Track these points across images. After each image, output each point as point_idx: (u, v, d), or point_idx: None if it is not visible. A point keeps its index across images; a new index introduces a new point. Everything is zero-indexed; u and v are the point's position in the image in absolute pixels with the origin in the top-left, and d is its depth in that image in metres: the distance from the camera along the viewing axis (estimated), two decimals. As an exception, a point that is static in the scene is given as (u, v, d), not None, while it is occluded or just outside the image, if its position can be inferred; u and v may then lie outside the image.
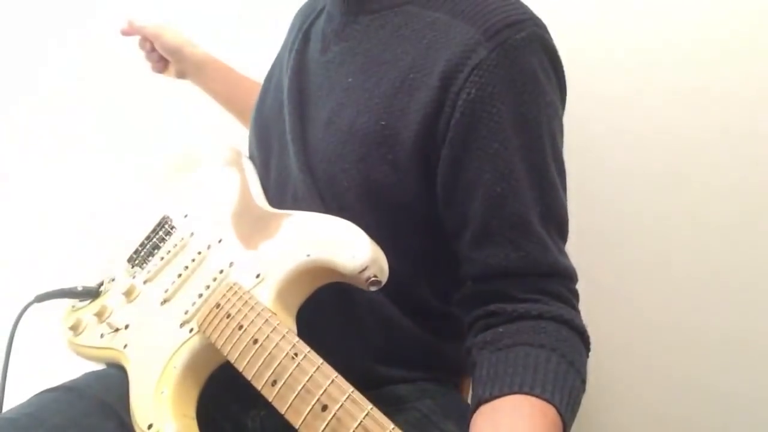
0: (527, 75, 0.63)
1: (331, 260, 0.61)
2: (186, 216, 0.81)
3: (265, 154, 0.80)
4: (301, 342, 0.55)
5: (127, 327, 0.73)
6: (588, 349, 0.64)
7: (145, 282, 0.76)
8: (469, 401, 0.64)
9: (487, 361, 0.60)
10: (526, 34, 0.62)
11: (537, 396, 0.54)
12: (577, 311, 0.65)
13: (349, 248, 0.60)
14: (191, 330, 0.66)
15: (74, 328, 0.77)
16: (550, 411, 0.54)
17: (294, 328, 0.62)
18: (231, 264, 0.69)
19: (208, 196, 0.82)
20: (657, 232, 1.05)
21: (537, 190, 0.64)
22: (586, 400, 0.60)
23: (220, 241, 0.73)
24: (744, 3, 0.94)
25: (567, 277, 0.66)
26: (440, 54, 0.63)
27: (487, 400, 0.56)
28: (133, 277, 0.78)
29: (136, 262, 0.80)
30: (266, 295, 0.63)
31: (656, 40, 1.00)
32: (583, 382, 0.60)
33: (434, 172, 0.66)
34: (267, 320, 0.59)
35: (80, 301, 0.82)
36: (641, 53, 1.01)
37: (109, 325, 0.74)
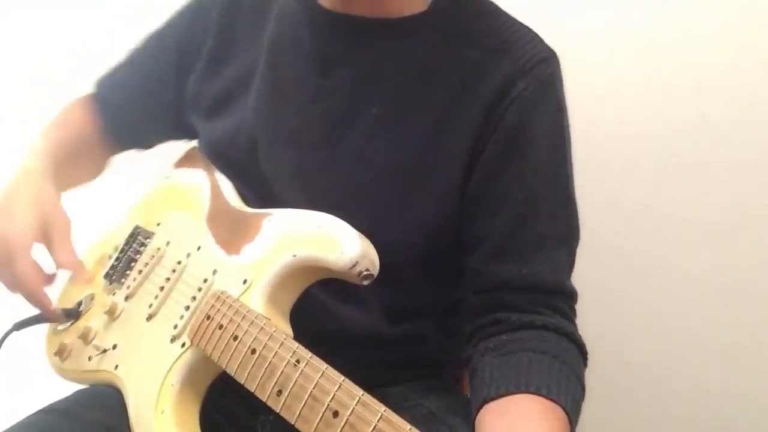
0: (555, 106, 0.69)
1: (319, 258, 0.60)
2: (159, 224, 0.78)
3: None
4: (302, 348, 0.54)
5: (115, 347, 0.71)
6: (585, 363, 0.66)
7: (126, 298, 0.74)
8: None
9: (489, 365, 0.62)
10: (553, 69, 0.68)
11: (545, 396, 0.56)
12: (576, 327, 0.68)
13: (337, 245, 0.59)
14: (183, 344, 0.64)
15: (60, 353, 0.75)
16: (560, 412, 0.56)
17: (290, 332, 0.61)
18: (214, 272, 0.67)
19: (178, 202, 0.79)
20: (651, 233, 1.08)
21: (561, 211, 0.69)
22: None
23: (198, 249, 0.71)
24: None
25: (570, 297, 0.69)
26: (480, 89, 0.66)
27: (493, 399, 0.57)
28: (113, 294, 0.76)
29: (114, 277, 0.77)
30: (257, 301, 0.61)
31: (657, 41, 1.02)
32: (583, 389, 0.62)
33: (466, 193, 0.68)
34: (262, 328, 0.57)
35: (61, 323, 0.79)
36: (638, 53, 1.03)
37: (96, 346, 0.72)
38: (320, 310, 0.68)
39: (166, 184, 0.83)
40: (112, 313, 0.73)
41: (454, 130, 0.67)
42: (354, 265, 0.58)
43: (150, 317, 0.69)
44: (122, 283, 0.76)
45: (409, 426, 0.45)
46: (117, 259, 0.78)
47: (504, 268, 0.66)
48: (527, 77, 0.66)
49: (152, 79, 0.83)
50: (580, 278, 0.71)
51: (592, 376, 0.65)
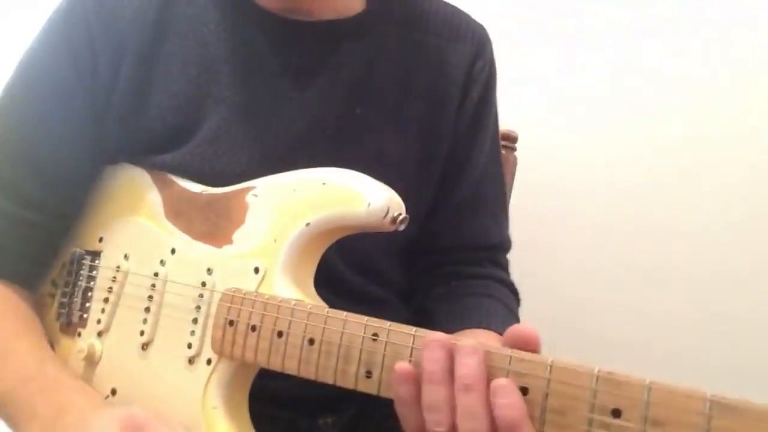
0: (496, 77, 0.76)
1: (340, 217, 0.53)
2: (101, 239, 0.65)
3: None
4: (372, 318, 0.48)
5: (114, 392, 0.60)
6: (518, 305, 0.76)
7: (100, 335, 0.62)
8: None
9: (444, 308, 0.69)
10: (491, 42, 0.75)
11: (491, 330, 0.65)
12: (509, 275, 0.79)
13: (360, 196, 0.52)
14: (209, 361, 0.56)
15: (42, 424, 0.63)
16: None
17: (326, 306, 0.55)
18: (210, 271, 0.58)
19: (116, 205, 0.66)
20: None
21: (500, 173, 0.78)
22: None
23: (173, 252, 0.60)
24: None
25: (507, 249, 0.80)
26: (449, 73, 0.71)
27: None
28: (78, 336, 0.64)
29: (71, 317, 0.64)
30: (283, 287, 0.54)
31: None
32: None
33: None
34: (310, 313, 0.51)
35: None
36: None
37: (90, 400, 0.61)
38: None
39: (98, 191, 0.68)
40: (91, 358, 0.62)
41: (441, 113, 0.71)
42: (387, 213, 0.52)
43: (146, 346, 0.59)
44: (85, 320, 0.64)
45: (546, 357, 0.42)
46: (64, 294, 0.65)
47: (459, 228, 0.74)
48: (482, 57, 0.73)
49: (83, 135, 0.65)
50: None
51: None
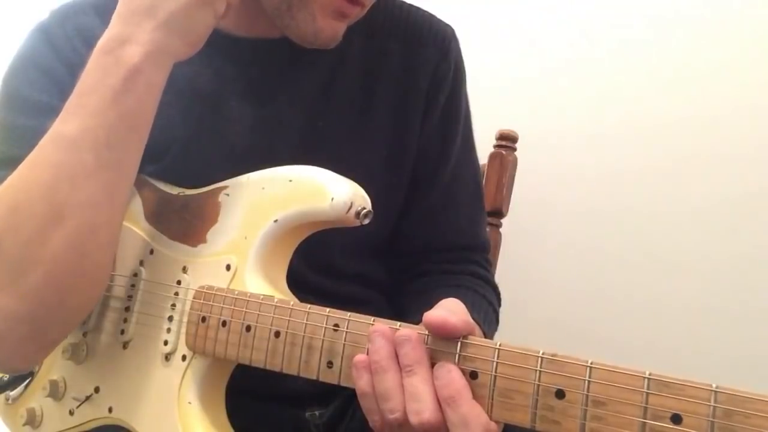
0: (464, 78, 0.77)
1: (307, 213, 0.54)
2: (86, 243, 0.67)
3: None
4: (334, 310, 0.49)
5: (97, 390, 0.62)
6: (499, 299, 0.75)
7: (85, 334, 0.64)
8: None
9: (416, 304, 0.65)
10: (457, 43, 0.75)
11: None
12: (490, 273, 0.78)
13: (324, 192, 0.53)
14: (184, 357, 0.57)
15: (31, 422, 0.65)
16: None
17: (293, 299, 0.56)
18: (185, 269, 0.59)
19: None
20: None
21: (475, 173, 0.78)
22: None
23: (152, 252, 0.62)
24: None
25: (485, 249, 0.79)
26: (414, 78, 0.71)
27: None
28: (65, 336, 0.66)
29: (58, 318, 0.66)
30: (253, 282, 0.55)
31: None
32: (498, 322, 0.72)
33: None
34: (276, 307, 0.52)
35: (12, 390, 0.68)
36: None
37: (74, 398, 0.62)
38: None
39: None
40: (76, 356, 0.63)
41: (408, 121, 0.71)
42: (350, 207, 0.53)
43: (126, 345, 0.61)
44: (71, 321, 0.66)
45: (494, 342, 0.43)
46: (52, 297, 0.67)
47: (431, 230, 0.75)
48: (447, 60, 0.73)
49: None
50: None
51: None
